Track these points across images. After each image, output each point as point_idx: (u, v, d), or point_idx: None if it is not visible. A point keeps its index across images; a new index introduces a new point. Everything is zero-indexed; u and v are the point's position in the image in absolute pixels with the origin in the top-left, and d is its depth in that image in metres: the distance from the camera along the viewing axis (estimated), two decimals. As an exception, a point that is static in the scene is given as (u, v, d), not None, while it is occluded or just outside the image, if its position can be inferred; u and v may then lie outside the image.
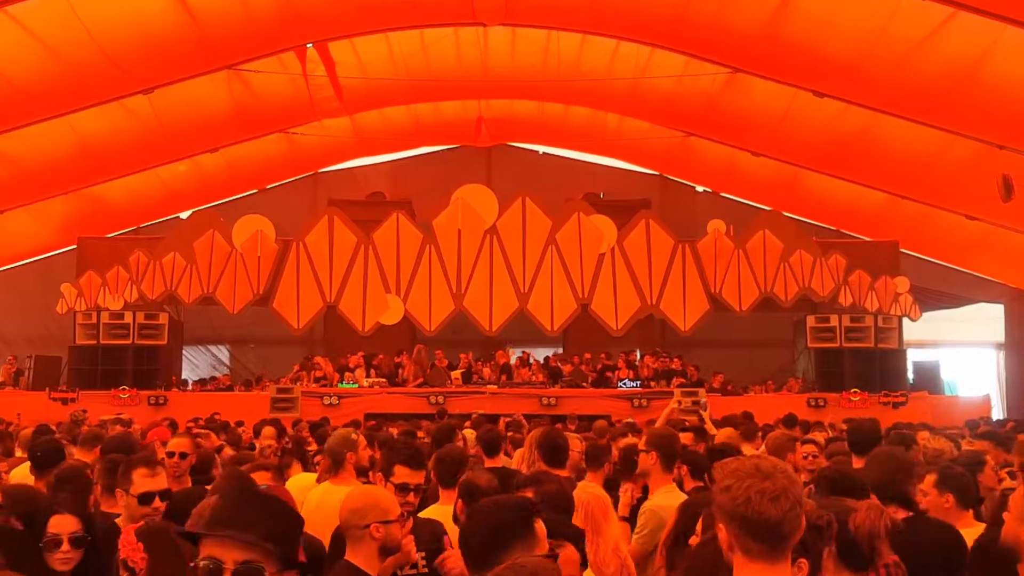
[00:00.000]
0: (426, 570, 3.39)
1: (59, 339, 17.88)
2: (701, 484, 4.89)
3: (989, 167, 13.40)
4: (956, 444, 6.63)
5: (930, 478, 3.99)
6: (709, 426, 8.71)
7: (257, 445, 7.99)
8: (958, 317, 19.89)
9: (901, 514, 3.59)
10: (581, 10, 13.42)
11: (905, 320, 17.61)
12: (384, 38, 14.92)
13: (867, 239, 19.12)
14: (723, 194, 20.53)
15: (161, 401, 15.77)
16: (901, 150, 14.87)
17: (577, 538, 2.74)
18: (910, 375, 17.72)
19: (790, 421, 10.00)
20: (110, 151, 15.90)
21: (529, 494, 3.21)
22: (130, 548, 3.19)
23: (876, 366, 17.07)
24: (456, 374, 16.98)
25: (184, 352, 19.75)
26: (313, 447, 7.76)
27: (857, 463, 5.05)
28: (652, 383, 16.80)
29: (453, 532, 3.35)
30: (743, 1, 12.27)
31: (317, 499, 4.56)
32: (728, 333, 18.79)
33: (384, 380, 16.76)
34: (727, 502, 2.06)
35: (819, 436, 8.13)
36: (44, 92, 12.97)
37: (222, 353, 21.59)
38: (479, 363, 17.62)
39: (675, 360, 17.71)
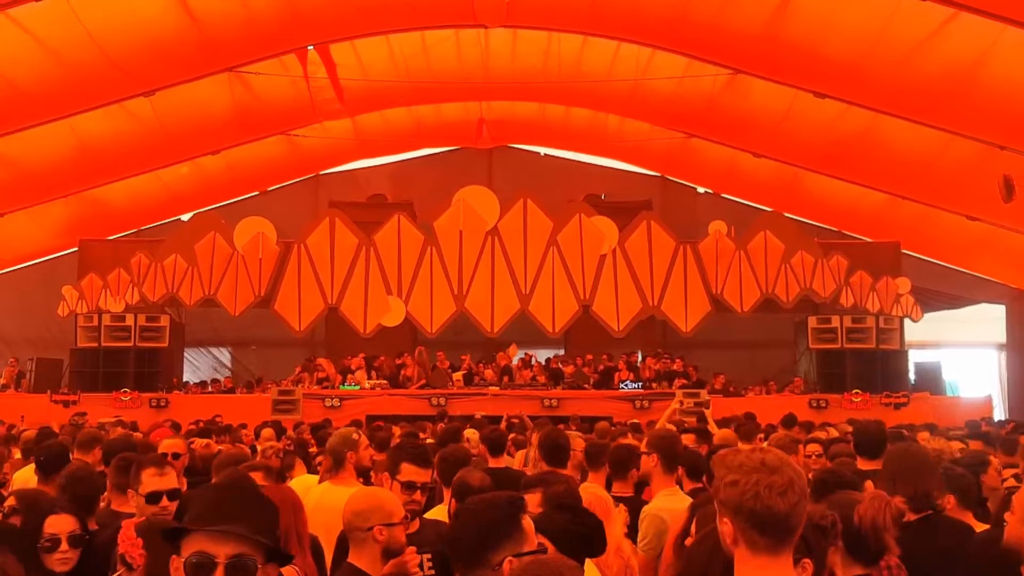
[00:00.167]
0: (432, 572, 3.38)
1: (60, 341, 17.90)
2: (700, 485, 4.89)
3: (990, 167, 13.40)
4: (966, 444, 6.63)
5: None
6: (712, 427, 8.71)
7: (258, 447, 7.98)
8: (959, 318, 19.87)
9: (912, 517, 3.56)
10: (582, 12, 13.43)
11: (906, 321, 17.60)
12: (385, 40, 14.93)
13: (868, 240, 19.11)
14: (724, 195, 20.53)
15: (162, 403, 15.77)
16: (902, 151, 14.87)
17: (597, 528, 2.73)
18: (912, 376, 17.71)
19: (788, 422, 10.00)
20: (111, 153, 15.91)
21: (538, 494, 3.21)
22: (129, 543, 3.19)
23: (878, 367, 17.06)
24: (457, 376, 16.98)
25: (185, 354, 19.77)
26: (315, 448, 7.76)
27: (862, 465, 5.03)
28: (654, 384, 16.80)
29: None
30: (743, 2, 12.28)
31: (317, 499, 4.56)
32: (729, 334, 18.80)
33: (386, 382, 16.77)
34: (734, 496, 2.05)
35: (820, 436, 8.11)
36: (45, 94, 12.98)
37: (223, 355, 21.60)
38: (480, 365, 17.63)
39: (676, 361, 17.71)
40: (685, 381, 16.74)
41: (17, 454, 7.35)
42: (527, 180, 19.25)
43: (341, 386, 16.52)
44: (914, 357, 18.22)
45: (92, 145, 15.30)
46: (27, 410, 14.29)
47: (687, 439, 6.16)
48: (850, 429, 7.57)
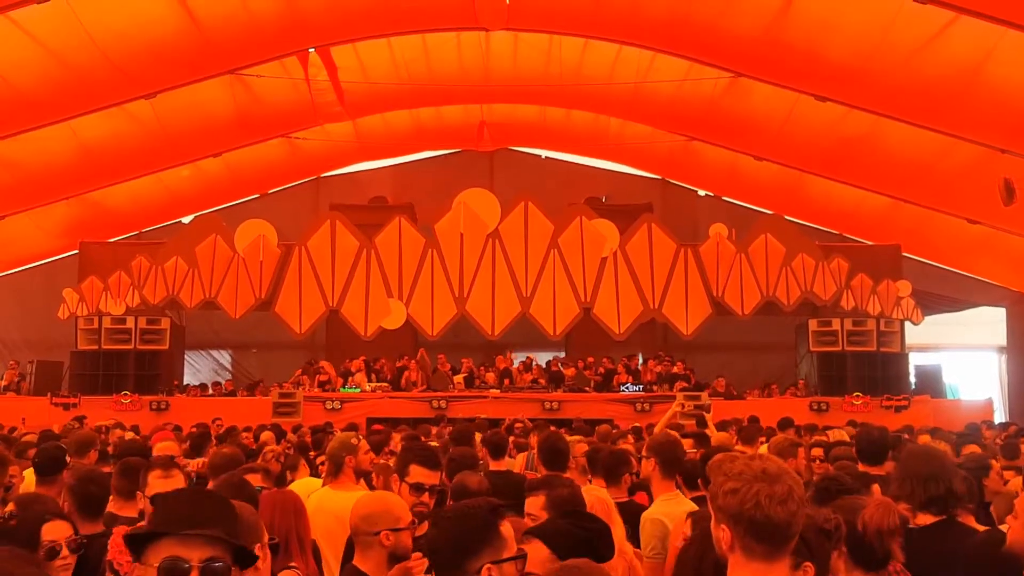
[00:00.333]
0: None
1: (61, 344, 17.88)
2: (701, 493, 4.85)
3: (991, 171, 13.40)
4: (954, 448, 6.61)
5: None
6: (711, 430, 8.70)
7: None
8: (960, 321, 19.87)
9: (931, 519, 3.53)
10: (583, 14, 13.43)
11: (907, 324, 17.60)
12: (386, 43, 14.93)
13: (869, 243, 19.11)
14: (725, 198, 20.54)
15: (163, 406, 15.77)
16: (903, 154, 14.87)
17: (603, 532, 2.73)
18: (912, 379, 17.71)
19: (784, 424, 10.00)
20: (112, 156, 15.91)
21: (541, 497, 3.21)
22: (117, 550, 3.18)
23: (878, 370, 17.07)
24: (458, 378, 16.99)
25: (186, 357, 19.77)
26: (313, 452, 7.76)
27: (863, 469, 5.02)
28: (655, 387, 16.80)
29: None
30: (744, 6, 12.28)
31: (316, 502, 4.56)
32: (730, 337, 18.79)
33: (388, 384, 16.76)
34: (734, 504, 2.06)
35: (823, 439, 8.10)
36: (46, 97, 12.98)
37: (224, 358, 21.59)
38: (482, 368, 17.62)
39: (677, 364, 17.70)
40: (686, 384, 16.74)
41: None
42: (528, 183, 19.25)
43: (342, 389, 16.51)
44: (915, 360, 18.23)
45: (93, 147, 15.30)
46: (27, 413, 14.27)
47: (685, 444, 6.13)
48: (854, 432, 7.55)
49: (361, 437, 5.50)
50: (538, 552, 2.42)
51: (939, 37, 11.27)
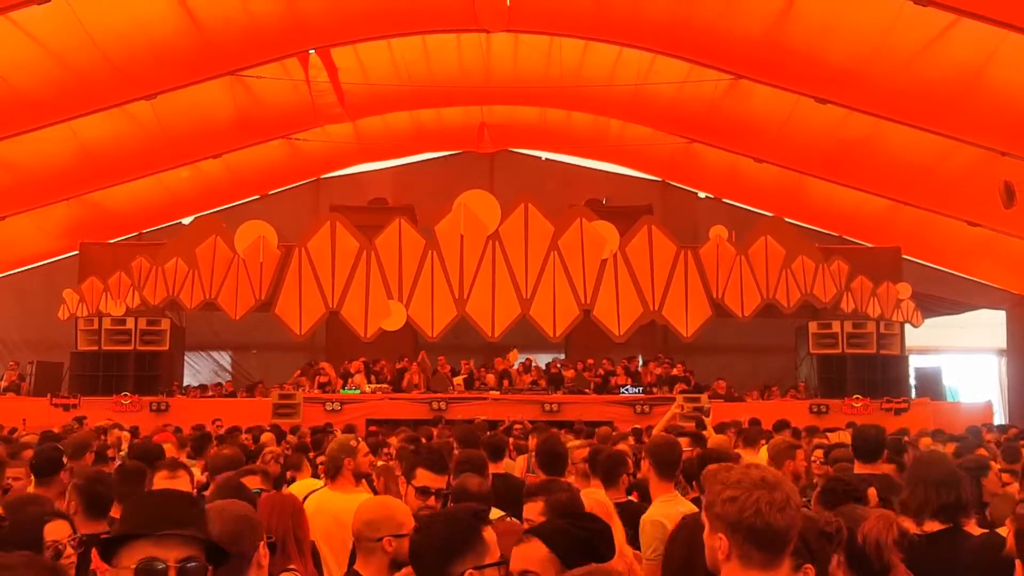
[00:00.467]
0: None
1: (61, 345, 17.87)
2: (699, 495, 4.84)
3: (991, 173, 13.40)
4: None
5: None
6: (710, 432, 8.69)
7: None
8: (960, 323, 19.86)
9: (938, 526, 3.51)
10: (583, 17, 13.43)
11: (907, 326, 17.59)
12: (387, 44, 14.93)
13: (869, 245, 19.11)
14: (725, 200, 20.54)
15: (163, 407, 15.77)
16: (903, 156, 14.86)
17: (603, 533, 2.72)
18: (912, 381, 17.70)
19: (779, 426, 10.01)
20: (112, 157, 15.91)
21: (540, 502, 3.20)
22: (99, 559, 3.18)
23: (878, 372, 17.06)
24: (458, 380, 16.98)
25: (186, 358, 19.76)
26: (312, 453, 7.75)
27: (859, 469, 5.03)
28: (654, 389, 16.79)
29: None
30: (745, 8, 12.28)
31: (316, 504, 4.55)
32: (730, 339, 18.79)
33: (388, 386, 16.76)
34: (733, 512, 2.06)
35: (823, 442, 8.10)
36: (47, 98, 12.97)
37: (224, 359, 21.58)
38: (482, 370, 17.62)
39: (677, 366, 17.70)
40: (685, 386, 16.73)
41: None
42: (528, 184, 19.25)
43: (342, 390, 16.51)
44: (914, 362, 18.22)
45: (93, 148, 15.30)
46: (27, 414, 14.26)
47: (682, 443, 6.12)
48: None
49: (360, 439, 5.50)
50: (537, 551, 2.41)
51: (939, 39, 11.27)
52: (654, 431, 7.86)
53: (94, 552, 3.22)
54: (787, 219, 18.35)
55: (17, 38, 11.61)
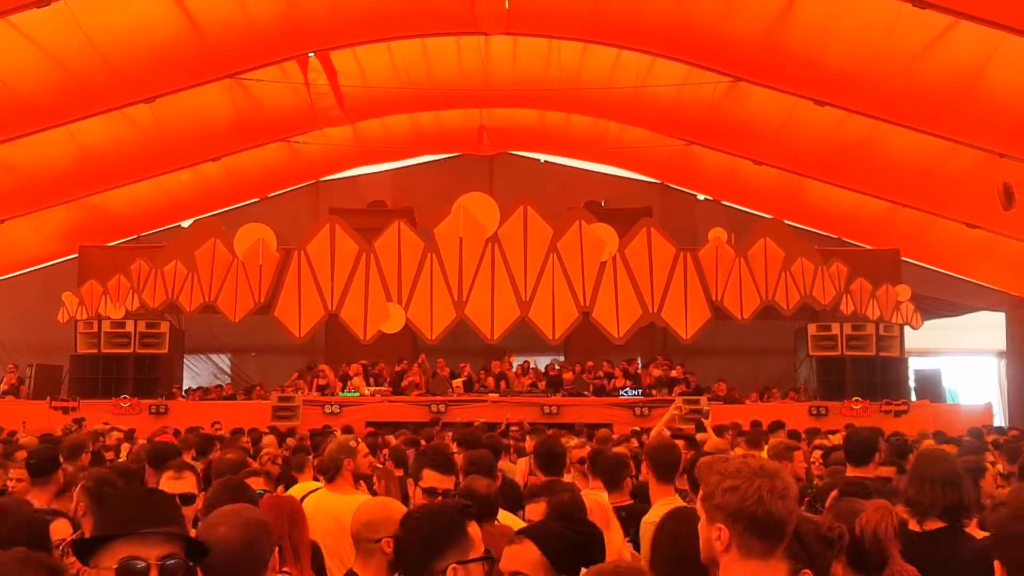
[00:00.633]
0: None
1: (60, 348, 17.86)
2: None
3: (990, 175, 13.40)
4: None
5: None
6: (710, 435, 8.68)
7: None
8: (959, 325, 19.86)
9: (938, 523, 3.51)
10: (582, 19, 13.44)
11: (906, 328, 17.60)
12: (386, 47, 14.94)
13: (868, 247, 19.12)
14: (724, 202, 20.54)
15: (162, 410, 15.75)
16: (902, 158, 14.88)
17: (595, 537, 2.73)
18: (912, 383, 17.70)
19: (774, 427, 10.01)
20: (112, 160, 15.91)
21: (542, 503, 3.20)
22: None
23: (877, 374, 17.06)
24: (457, 383, 16.97)
25: (185, 361, 19.75)
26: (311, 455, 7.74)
27: (851, 472, 5.04)
28: (654, 391, 16.78)
29: None
30: (744, 10, 12.29)
31: (314, 505, 4.55)
32: (729, 341, 18.78)
33: (387, 388, 16.75)
34: (734, 501, 2.05)
35: (825, 444, 8.10)
36: (46, 101, 12.98)
37: (223, 362, 21.58)
38: (482, 372, 17.62)
39: (676, 368, 17.70)
40: (685, 388, 16.73)
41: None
42: (527, 187, 19.26)
43: (341, 393, 16.50)
44: (914, 364, 18.23)
45: (93, 151, 15.31)
46: (26, 416, 14.25)
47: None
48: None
49: (360, 440, 5.50)
50: (529, 553, 2.41)
51: (938, 42, 11.28)
52: (652, 433, 7.86)
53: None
54: (786, 221, 18.36)
55: (16, 41, 11.62)
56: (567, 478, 5.42)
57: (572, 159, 21.06)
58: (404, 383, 16.88)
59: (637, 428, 12.07)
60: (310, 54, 14.35)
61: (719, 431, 9.38)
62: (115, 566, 1.97)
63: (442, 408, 15.55)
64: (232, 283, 17.04)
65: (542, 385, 17.08)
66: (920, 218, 16.91)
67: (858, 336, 17.33)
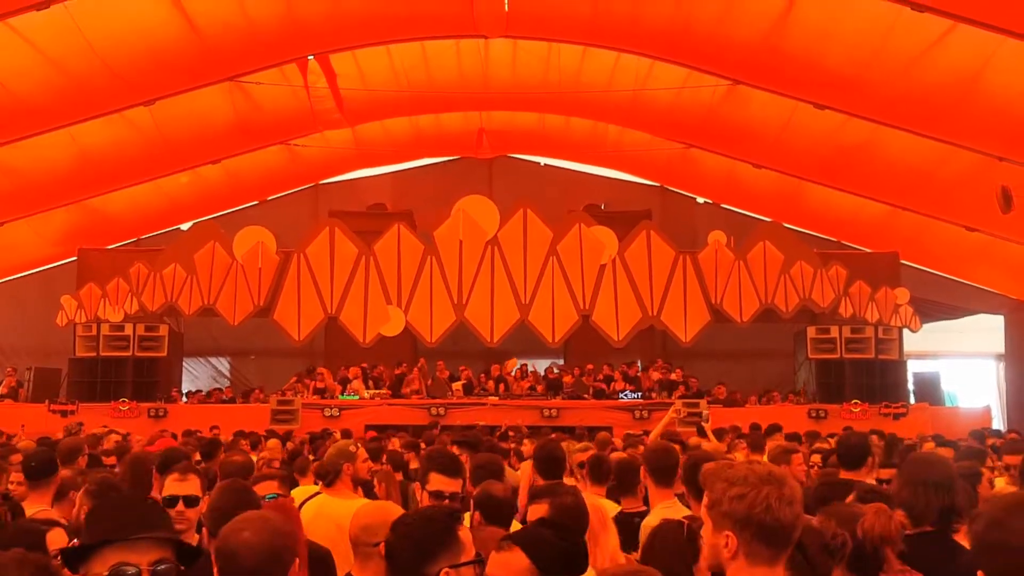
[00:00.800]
0: None
1: (59, 351, 17.83)
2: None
3: (988, 178, 13.42)
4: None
5: None
6: (710, 437, 8.69)
7: (255, 456, 7.95)
8: (958, 328, 19.87)
9: (927, 527, 3.50)
10: (582, 22, 13.45)
11: (905, 331, 17.61)
12: (385, 50, 14.95)
13: (867, 250, 19.13)
14: (724, 205, 20.54)
15: (161, 413, 15.73)
16: (901, 162, 14.90)
17: (580, 546, 2.72)
18: (910, 386, 17.71)
19: (771, 430, 10.01)
20: (111, 162, 15.91)
21: (544, 505, 3.20)
22: None
23: (876, 377, 17.08)
24: (457, 386, 16.96)
25: (184, 364, 19.73)
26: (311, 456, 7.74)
27: (844, 475, 5.04)
28: (653, 394, 16.78)
29: None
30: (743, 13, 12.30)
31: (314, 510, 4.55)
32: (729, 344, 18.78)
33: (387, 391, 16.74)
34: (742, 509, 2.05)
35: (824, 447, 8.10)
36: (45, 103, 12.99)
37: (222, 365, 21.56)
38: (482, 376, 17.61)
39: (676, 371, 17.69)
40: (685, 390, 16.73)
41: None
42: (527, 190, 19.27)
43: (341, 396, 16.48)
44: (913, 367, 18.23)
45: (92, 154, 15.31)
46: (25, 420, 14.23)
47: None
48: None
49: (359, 444, 5.50)
50: (518, 561, 2.41)
51: (937, 45, 11.29)
52: (650, 437, 7.85)
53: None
54: (785, 224, 18.37)
55: (16, 44, 11.63)
56: (570, 481, 5.42)
57: (572, 162, 21.07)
58: (404, 390, 16.86)
59: (631, 432, 12.04)
60: (309, 57, 14.36)
61: (719, 434, 9.38)
62: (106, 573, 1.97)
63: (442, 411, 15.53)
64: (231, 286, 17.03)
65: (540, 388, 17.08)
66: (919, 221, 16.93)
67: (857, 339, 17.34)
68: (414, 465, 7.32)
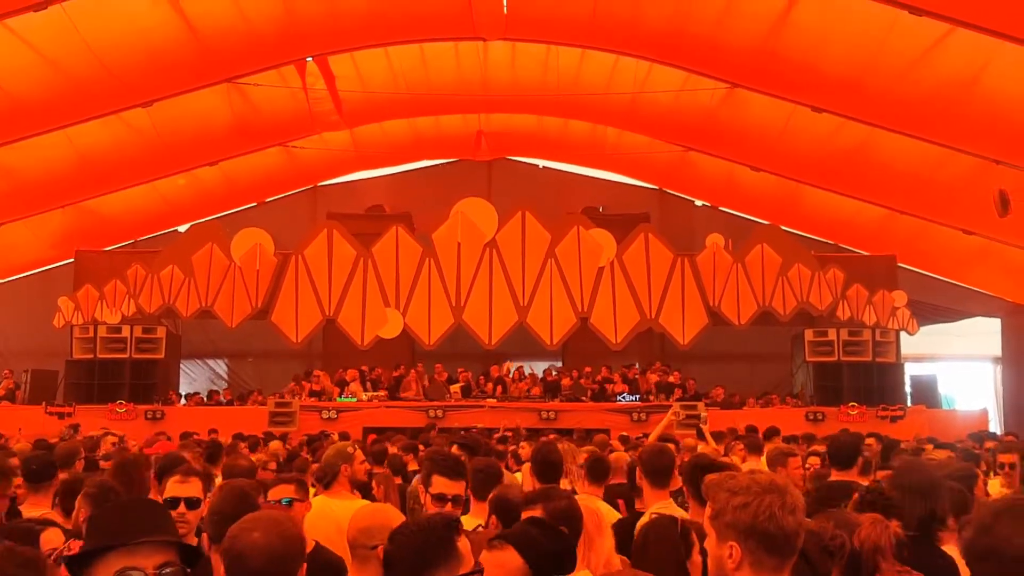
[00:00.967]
0: None
1: (56, 353, 17.78)
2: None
3: (986, 182, 13.43)
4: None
5: None
6: (709, 440, 8.68)
7: (254, 458, 7.93)
8: (955, 331, 19.89)
9: (911, 533, 3.50)
10: (581, 25, 13.46)
11: (902, 334, 17.62)
12: (384, 52, 14.95)
13: (865, 253, 19.14)
14: (722, 208, 20.56)
15: (158, 415, 15.71)
16: (899, 165, 14.91)
17: (569, 547, 2.73)
18: (908, 389, 17.72)
19: (770, 433, 10.00)
20: (109, 164, 15.90)
21: (539, 509, 3.20)
22: None
23: (874, 380, 17.09)
24: (455, 388, 16.95)
25: (182, 366, 19.70)
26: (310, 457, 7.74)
27: (835, 476, 5.05)
28: (651, 397, 16.79)
29: None
30: (741, 17, 12.31)
31: (314, 512, 4.54)
32: (726, 347, 18.79)
33: (385, 394, 16.73)
34: (746, 519, 2.05)
35: (819, 449, 8.10)
36: (43, 105, 12.98)
37: (220, 367, 21.53)
38: (481, 378, 17.61)
39: (674, 374, 17.70)
40: (683, 393, 16.74)
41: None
42: (525, 192, 19.28)
43: (338, 398, 16.47)
44: (910, 370, 18.24)
45: (89, 156, 15.29)
46: (22, 422, 14.21)
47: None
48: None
49: (356, 446, 5.49)
50: (511, 560, 2.41)
51: (935, 49, 11.31)
52: (649, 439, 7.85)
53: None
54: (783, 227, 18.38)
55: (14, 45, 11.63)
56: (569, 483, 5.43)
57: (570, 165, 21.09)
58: (401, 390, 16.85)
59: (626, 434, 12.05)
60: (308, 59, 14.36)
61: (717, 437, 9.37)
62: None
63: (440, 413, 15.52)
64: (229, 288, 17.01)
65: (537, 391, 17.07)
66: (916, 224, 16.95)
67: (854, 342, 17.35)
68: (412, 467, 7.32)
